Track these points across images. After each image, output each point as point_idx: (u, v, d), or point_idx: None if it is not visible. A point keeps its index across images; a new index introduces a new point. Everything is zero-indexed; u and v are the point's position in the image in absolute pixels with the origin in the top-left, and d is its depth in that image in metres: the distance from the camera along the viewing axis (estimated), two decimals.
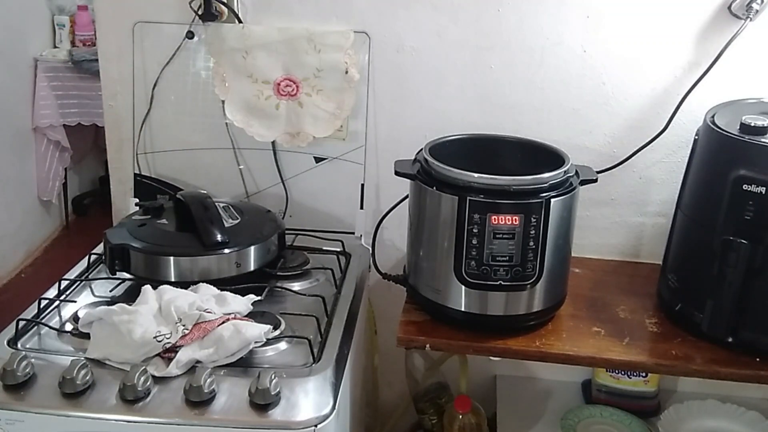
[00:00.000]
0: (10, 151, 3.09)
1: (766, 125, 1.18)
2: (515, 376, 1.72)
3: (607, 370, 1.58)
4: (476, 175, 1.21)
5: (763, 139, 1.17)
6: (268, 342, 1.15)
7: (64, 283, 1.32)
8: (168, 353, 1.10)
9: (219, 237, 1.31)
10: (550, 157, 1.31)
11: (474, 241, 1.21)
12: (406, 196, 1.36)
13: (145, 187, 1.64)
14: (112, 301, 1.26)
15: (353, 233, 1.60)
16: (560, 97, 1.51)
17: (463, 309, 1.26)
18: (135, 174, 1.65)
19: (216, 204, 1.38)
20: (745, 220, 1.16)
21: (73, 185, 3.66)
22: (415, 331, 1.29)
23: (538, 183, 1.21)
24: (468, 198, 1.20)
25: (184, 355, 1.09)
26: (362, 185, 1.59)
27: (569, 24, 1.46)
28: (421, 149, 1.33)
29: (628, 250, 1.61)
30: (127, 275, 1.33)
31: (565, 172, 1.25)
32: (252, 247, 1.34)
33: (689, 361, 1.23)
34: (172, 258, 1.30)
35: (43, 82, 3.19)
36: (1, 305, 2.84)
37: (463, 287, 1.24)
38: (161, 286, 1.21)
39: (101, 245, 1.39)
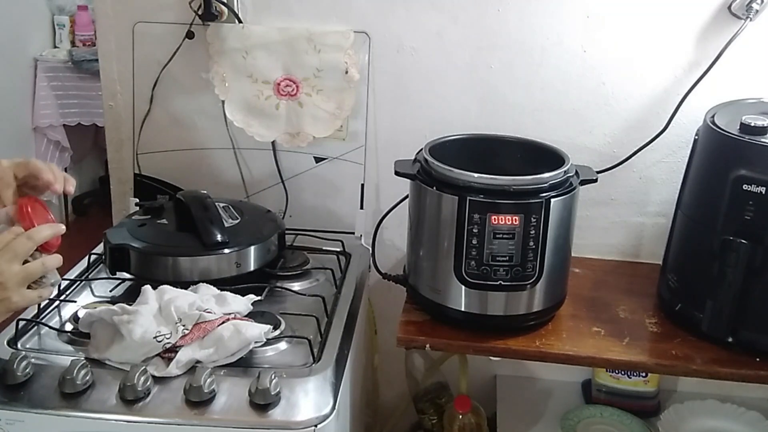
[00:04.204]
0: (10, 151, 3.08)
1: (766, 125, 1.18)
2: (515, 376, 1.71)
3: (607, 370, 1.58)
4: (476, 175, 1.20)
5: (763, 139, 1.17)
6: (268, 342, 1.15)
7: (64, 283, 1.32)
8: (168, 353, 1.10)
9: (219, 237, 1.31)
10: (550, 157, 1.30)
11: (474, 241, 1.21)
12: (406, 196, 1.36)
13: (145, 187, 1.63)
14: (112, 301, 1.26)
15: (353, 233, 1.60)
16: (560, 97, 1.51)
17: (463, 309, 1.26)
18: (135, 174, 1.64)
19: (216, 204, 1.38)
20: (745, 220, 1.16)
21: None
22: (415, 331, 1.29)
23: (538, 183, 1.21)
24: (468, 198, 1.20)
25: (184, 355, 1.09)
26: (362, 185, 1.59)
27: (569, 24, 1.46)
28: (421, 149, 1.32)
29: (628, 250, 1.61)
30: (127, 275, 1.33)
31: (565, 172, 1.24)
32: (252, 247, 1.34)
33: (689, 361, 1.23)
34: (171, 258, 1.30)
35: (43, 82, 3.20)
36: None
37: (463, 287, 1.24)
38: (161, 286, 1.21)
39: (101, 245, 1.39)
